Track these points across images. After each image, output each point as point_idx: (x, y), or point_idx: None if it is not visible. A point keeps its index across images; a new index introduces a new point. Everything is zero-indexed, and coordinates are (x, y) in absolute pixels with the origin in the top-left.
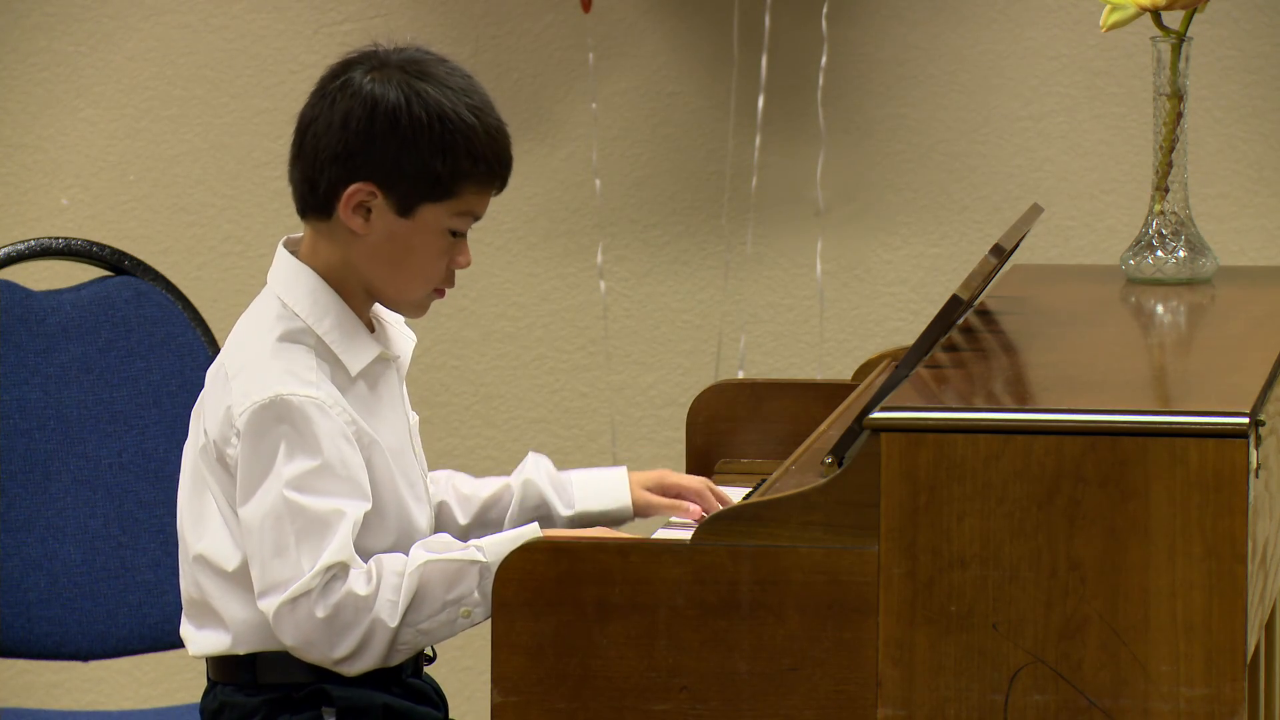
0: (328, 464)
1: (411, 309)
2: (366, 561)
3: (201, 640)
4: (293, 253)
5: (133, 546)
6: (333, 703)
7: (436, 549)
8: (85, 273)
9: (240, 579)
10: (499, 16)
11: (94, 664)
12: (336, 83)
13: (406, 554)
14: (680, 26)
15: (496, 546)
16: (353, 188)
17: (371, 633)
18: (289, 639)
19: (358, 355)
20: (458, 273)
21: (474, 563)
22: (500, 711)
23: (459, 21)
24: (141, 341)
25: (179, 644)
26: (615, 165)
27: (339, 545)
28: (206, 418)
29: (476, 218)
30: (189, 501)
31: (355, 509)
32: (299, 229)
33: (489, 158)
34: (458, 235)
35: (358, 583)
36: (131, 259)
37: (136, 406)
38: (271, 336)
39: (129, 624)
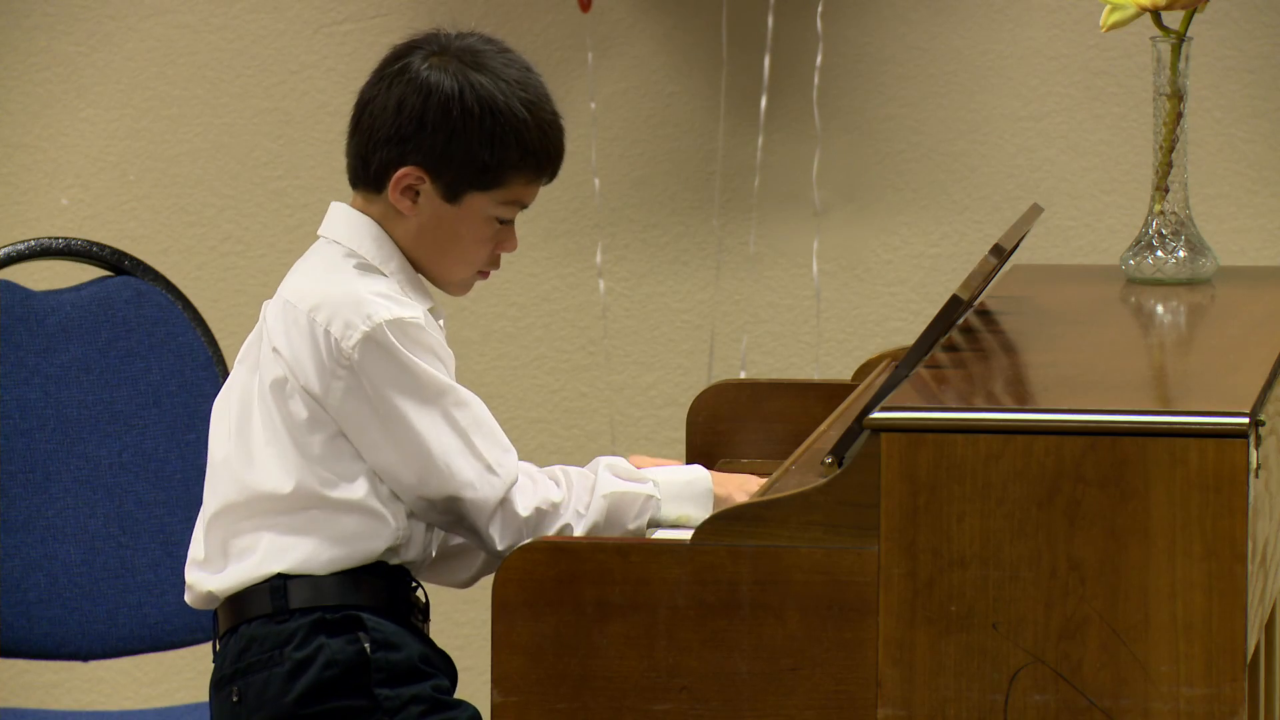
0: (450, 365)
1: (454, 288)
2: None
3: (225, 578)
4: None
5: (133, 546)
6: (366, 628)
7: (621, 475)
8: (85, 273)
9: (289, 504)
10: (499, 16)
11: (94, 664)
12: (396, 66)
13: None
14: (677, 27)
15: (670, 486)
16: (402, 171)
17: (563, 536)
18: (505, 541)
19: (419, 299)
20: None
21: (651, 498)
22: (500, 711)
23: (459, 22)
24: (141, 341)
25: (179, 644)
26: (614, 165)
27: (507, 441)
28: (283, 354)
29: (524, 206)
30: (236, 443)
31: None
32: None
33: (538, 151)
34: (504, 222)
35: (550, 488)
36: (131, 259)
37: (136, 406)
38: (349, 270)
39: (129, 624)
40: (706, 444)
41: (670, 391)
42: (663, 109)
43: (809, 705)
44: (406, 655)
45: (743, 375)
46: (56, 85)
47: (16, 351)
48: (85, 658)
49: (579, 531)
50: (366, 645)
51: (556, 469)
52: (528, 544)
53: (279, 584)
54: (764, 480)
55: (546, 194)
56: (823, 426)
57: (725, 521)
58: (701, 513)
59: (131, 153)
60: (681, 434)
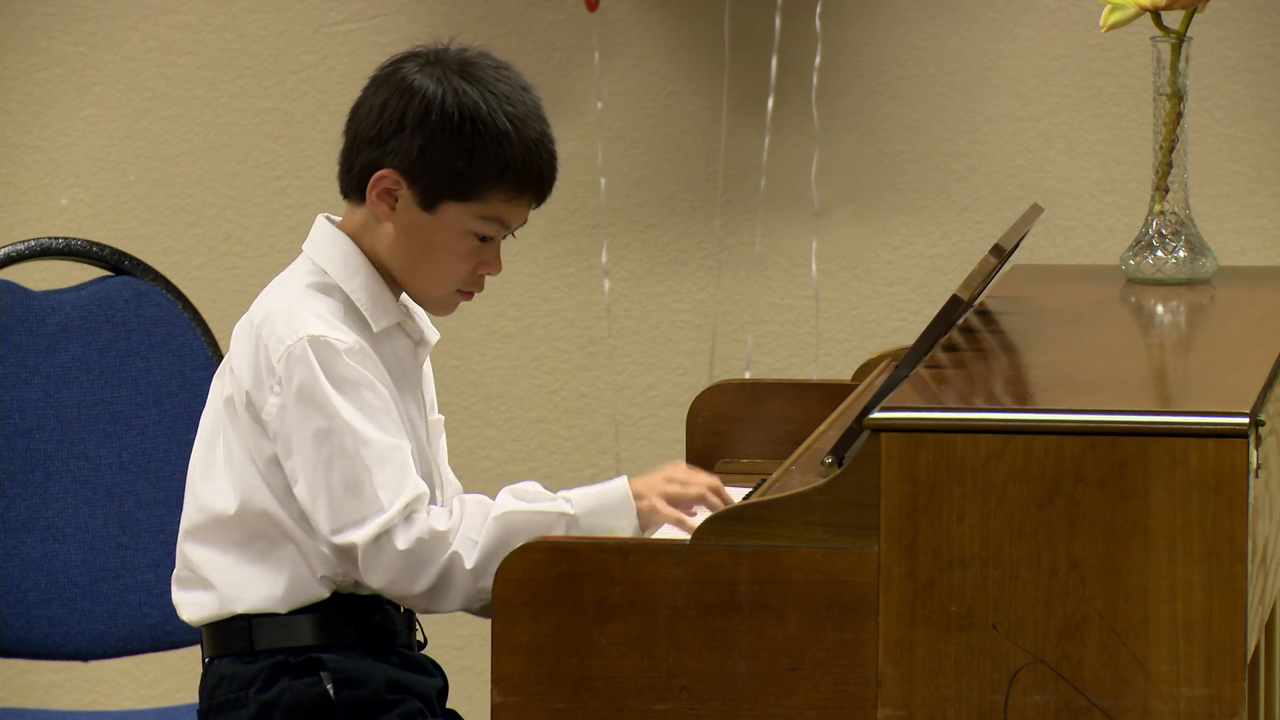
0: (371, 396)
1: (434, 305)
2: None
3: (193, 609)
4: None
5: (133, 546)
6: (328, 669)
7: (524, 498)
8: (85, 273)
9: (236, 528)
10: (499, 16)
11: (94, 664)
12: (388, 70)
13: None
14: (680, 27)
15: (585, 500)
16: (380, 173)
17: (450, 569)
18: (377, 579)
19: (382, 315)
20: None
21: (561, 514)
22: (500, 711)
23: (459, 21)
24: (141, 341)
25: (179, 644)
26: (616, 165)
27: (415, 480)
28: (234, 370)
29: (507, 226)
30: (201, 460)
31: (408, 446)
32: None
33: (518, 168)
34: (486, 240)
35: (438, 518)
36: (131, 259)
37: (136, 406)
38: (300, 287)
39: (129, 624)
40: (706, 444)
41: (671, 391)
42: (665, 109)
43: (809, 705)
44: (372, 689)
45: (748, 375)
46: (56, 85)
47: (16, 351)
48: (85, 658)
49: (471, 560)
50: (329, 687)
51: (457, 498)
52: (528, 544)
53: (244, 625)
54: (687, 466)
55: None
56: (823, 426)
57: (725, 521)
58: (628, 521)
59: (131, 153)
60: (682, 434)
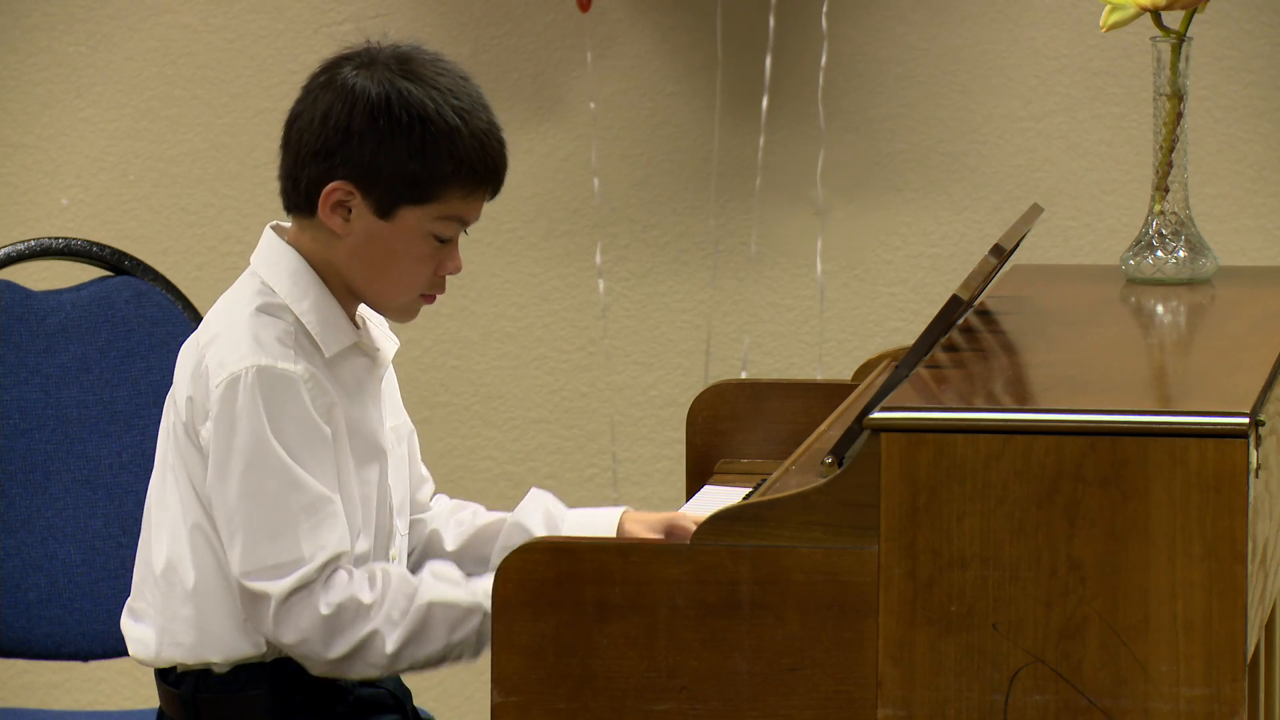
0: (311, 440)
1: (397, 313)
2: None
3: (137, 645)
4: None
5: (133, 546)
6: None
7: (448, 581)
8: (85, 273)
9: (174, 569)
10: (498, 16)
11: (94, 664)
12: (324, 77)
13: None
14: (674, 27)
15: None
16: (331, 185)
17: (369, 643)
18: (288, 636)
19: (334, 339)
20: (456, 276)
21: (472, 611)
22: (500, 711)
23: (459, 21)
24: (141, 341)
25: None
26: (614, 165)
27: (341, 536)
28: (178, 395)
29: (465, 223)
30: (156, 487)
31: (338, 501)
32: None
33: (473, 162)
34: (444, 241)
35: (362, 588)
36: (131, 259)
37: (136, 406)
38: (249, 309)
39: None
40: (706, 444)
41: (670, 391)
42: (659, 109)
43: (809, 705)
44: None
45: (743, 375)
46: (56, 85)
47: (16, 351)
48: (85, 658)
49: (391, 644)
50: None
51: (377, 567)
52: (528, 544)
53: (189, 697)
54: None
55: (546, 194)
56: (823, 426)
57: (725, 521)
58: None
59: (131, 153)
60: (681, 434)
